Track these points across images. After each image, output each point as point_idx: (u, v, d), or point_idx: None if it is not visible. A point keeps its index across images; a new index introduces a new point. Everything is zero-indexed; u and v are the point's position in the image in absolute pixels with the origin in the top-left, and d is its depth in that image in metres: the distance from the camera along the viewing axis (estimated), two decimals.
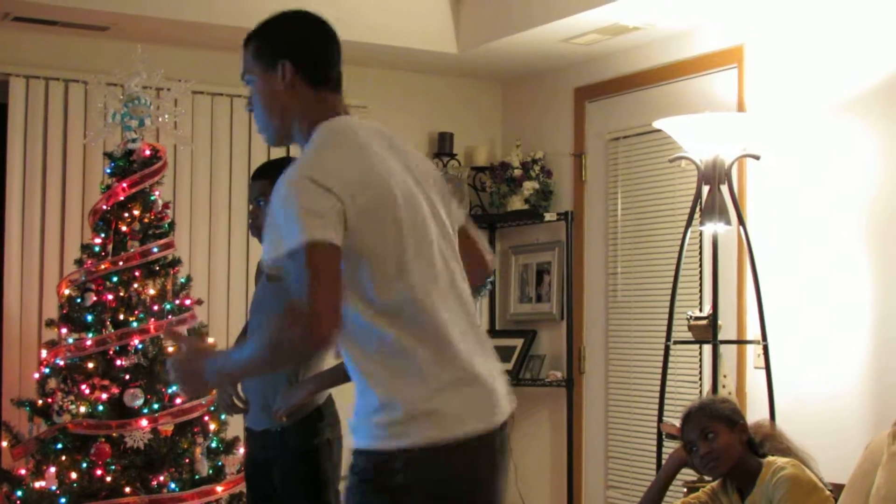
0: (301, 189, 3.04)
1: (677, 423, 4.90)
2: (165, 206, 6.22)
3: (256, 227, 4.84)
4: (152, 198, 6.12)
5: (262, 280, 4.89)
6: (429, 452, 3.08)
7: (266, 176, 4.85)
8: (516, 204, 7.62)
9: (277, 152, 7.12)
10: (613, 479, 7.13)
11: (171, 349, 3.51)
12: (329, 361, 4.53)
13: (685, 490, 5.35)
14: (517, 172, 7.61)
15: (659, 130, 6.09)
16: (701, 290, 6.38)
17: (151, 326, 5.91)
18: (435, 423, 3.11)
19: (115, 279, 5.97)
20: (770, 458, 4.63)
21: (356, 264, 3.07)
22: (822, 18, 5.93)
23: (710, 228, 5.82)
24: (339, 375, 3.88)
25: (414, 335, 3.13)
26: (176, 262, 6.17)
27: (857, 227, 5.71)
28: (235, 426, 6.22)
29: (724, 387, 5.85)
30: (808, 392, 5.86)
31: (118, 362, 5.87)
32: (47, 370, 5.98)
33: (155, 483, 5.74)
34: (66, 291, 6.08)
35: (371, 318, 3.11)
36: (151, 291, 6.01)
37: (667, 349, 6.02)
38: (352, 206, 3.05)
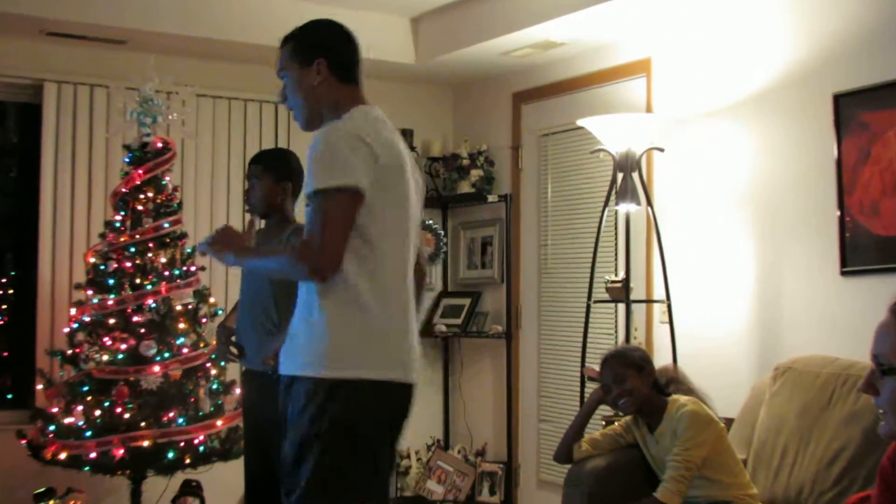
0: (344, 138, 3.15)
1: (597, 367, 4.88)
2: (174, 189, 6.18)
3: (250, 202, 4.88)
4: (163, 182, 6.08)
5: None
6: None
7: (261, 161, 4.91)
8: (465, 188, 7.57)
9: (267, 146, 7.09)
10: (545, 414, 7.09)
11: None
12: None
13: (603, 423, 5.34)
14: (465, 162, 7.55)
15: (582, 128, 6.02)
16: (616, 259, 6.33)
17: (163, 289, 5.89)
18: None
19: (132, 249, 5.92)
20: (674, 397, 4.62)
21: (365, 213, 3.15)
22: (715, 35, 5.90)
23: (624, 208, 5.77)
24: None
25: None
26: (183, 235, 6.13)
27: (744, 207, 5.69)
28: (232, 371, 6.19)
29: (635, 338, 5.86)
30: (703, 342, 5.83)
31: (135, 318, 5.83)
32: (76, 325, 5.94)
33: (165, 419, 5.70)
34: (92, 260, 6.04)
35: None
36: (163, 260, 5.97)
37: (588, 307, 5.98)
38: (381, 161, 3.17)
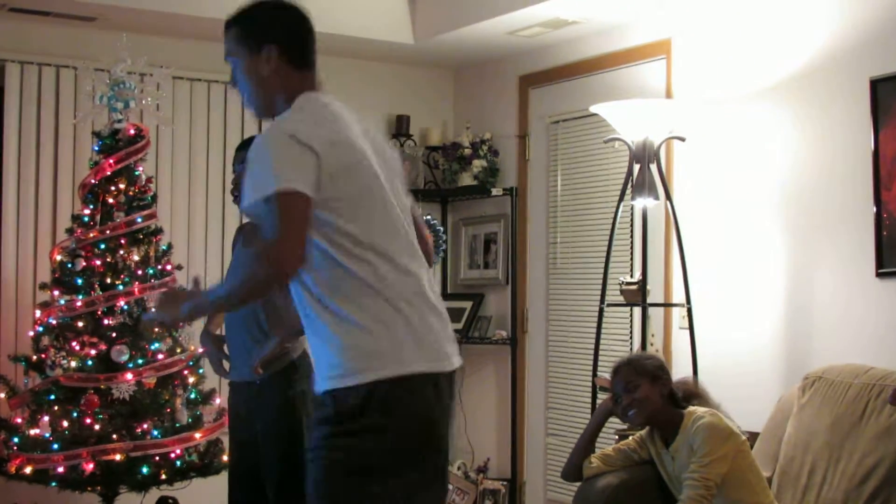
0: (280, 143, 3.09)
1: (610, 376, 4.91)
2: (148, 180, 6.18)
3: (237, 193, 4.84)
4: (136, 173, 6.07)
5: (239, 246, 4.87)
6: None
7: (249, 147, 4.87)
8: (466, 180, 7.58)
9: (250, 132, 7.09)
10: (552, 428, 7.12)
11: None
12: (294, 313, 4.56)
13: (616, 437, 5.37)
14: (467, 151, 7.57)
15: (595, 114, 6.05)
16: (632, 258, 6.36)
17: (136, 289, 5.88)
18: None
19: (102, 246, 5.93)
20: (691, 409, 4.64)
21: (332, 212, 3.10)
22: (741, 16, 5.92)
23: (640, 203, 5.80)
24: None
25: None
26: (158, 230, 6.14)
27: (771, 202, 5.72)
28: (212, 379, 6.21)
29: (651, 345, 5.86)
30: (727, 350, 5.87)
31: (105, 321, 5.84)
32: (41, 329, 5.94)
33: (139, 430, 5.72)
34: (59, 257, 6.02)
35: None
36: (136, 257, 5.97)
37: (601, 311, 6.01)
38: (326, 161, 3.09)
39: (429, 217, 7.28)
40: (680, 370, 5.54)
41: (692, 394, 4.79)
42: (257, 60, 3.33)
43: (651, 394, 4.66)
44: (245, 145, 4.91)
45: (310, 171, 3.07)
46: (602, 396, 5.71)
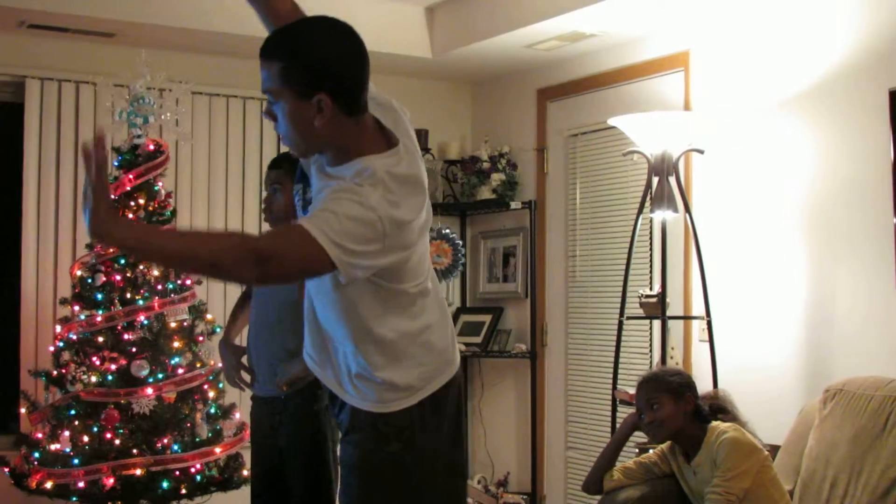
0: (367, 220, 2.77)
1: (630, 390, 4.90)
2: (168, 195, 6.19)
3: (270, 211, 4.81)
4: (156, 188, 6.09)
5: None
6: None
7: (282, 166, 4.82)
8: (485, 194, 7.60)
9: (269, 147, 7.11)
10: (573, 441, 7.12)
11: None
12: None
13: (637, 451, 5.36)
14: (486, 165, 7.58)
15: (613, 127, 6.06)
16: (651, 271, 6.37)
17: (155, 304, 5.89)
18: None
19: (122, 261, 5.93)
20: (714, 424, 4.62)
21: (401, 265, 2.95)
22: (760, 27, 5.92)
23: (659, 215, 5.80)
24: None
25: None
26: None
27: (793, 214, 5.71)
28: (232, 394, 6.21)
29: (671, 358, 5.85)
30: (747, 363, 5.85)
31: (125, 336, 5.85)
32: (61, 344, 5.95)
33: (159, 445, 5.73)
34: (79, 273, 6.04)
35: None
36: (155, 272, 5.97)
37: (620, 324, 6.00)
38: (386, 240, 2.81)
39: (447, 231, 7.29)
40: (700, 383, 5.50)
41: (720, 408, 4.77)
42: (307, 108, 2.85)
43: (673, 412, 4.63)
44: (276, 164, 4.84)
45: (371, 261, 2.83)
46: (622, 409, 5.71)
